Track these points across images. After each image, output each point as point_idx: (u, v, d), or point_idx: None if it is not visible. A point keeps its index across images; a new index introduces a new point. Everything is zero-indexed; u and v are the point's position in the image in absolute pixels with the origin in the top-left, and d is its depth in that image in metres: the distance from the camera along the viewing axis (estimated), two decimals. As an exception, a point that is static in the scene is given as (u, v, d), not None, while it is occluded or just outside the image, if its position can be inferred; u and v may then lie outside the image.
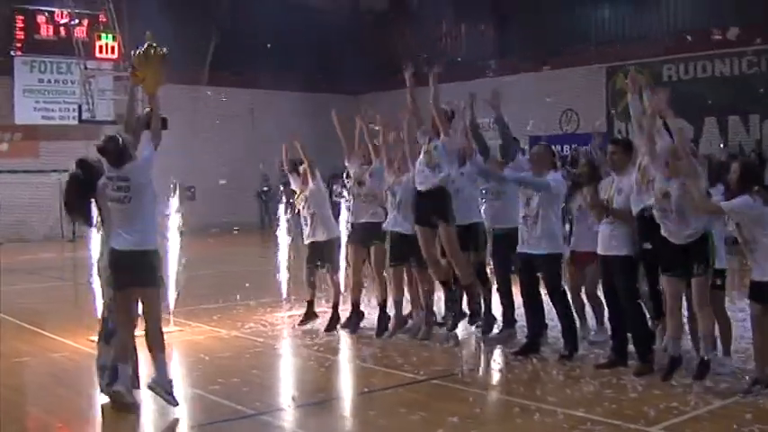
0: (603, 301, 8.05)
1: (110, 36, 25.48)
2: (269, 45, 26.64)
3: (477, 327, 9.08)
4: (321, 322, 9.81)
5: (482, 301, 8.98)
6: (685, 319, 7.43)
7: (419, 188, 8.59)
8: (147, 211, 6.56)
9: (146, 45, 6.84)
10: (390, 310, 9.40)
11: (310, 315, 9.87)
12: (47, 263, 19.51)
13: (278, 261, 11.36)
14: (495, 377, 7.77)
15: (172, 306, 9.91)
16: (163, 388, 6.45)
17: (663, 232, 6.96)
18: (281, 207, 11.50)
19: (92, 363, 6.98)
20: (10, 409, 6.79)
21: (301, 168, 9.92)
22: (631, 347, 7.53)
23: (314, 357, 8.46)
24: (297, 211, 10.06)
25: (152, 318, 6.59)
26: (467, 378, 7.50)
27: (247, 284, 12.37)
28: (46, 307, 12.51)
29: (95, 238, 7.22)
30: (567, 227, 9.06)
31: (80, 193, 6.73)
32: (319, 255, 9.78)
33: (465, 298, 8.99)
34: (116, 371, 6.58)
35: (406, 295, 9.35)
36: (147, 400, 6.68)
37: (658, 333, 7.67)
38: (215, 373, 7.67)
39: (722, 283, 7.23)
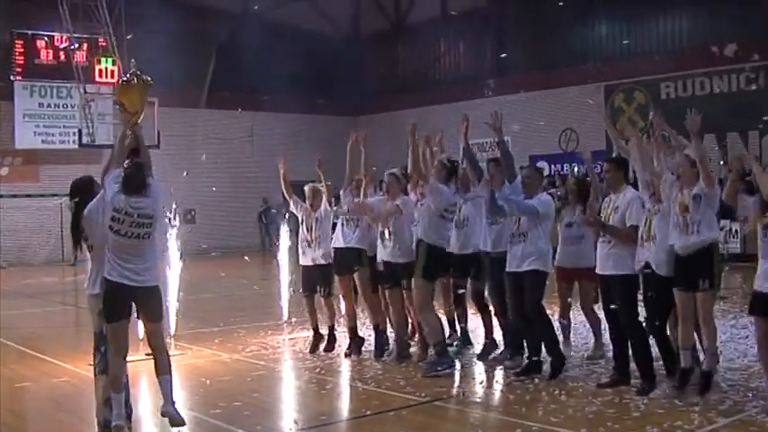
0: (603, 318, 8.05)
1: (109, 60, 25.63)
2: (268, 67, 26.70)
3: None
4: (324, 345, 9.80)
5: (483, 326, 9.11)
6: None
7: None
8: (156, 243, 6.45)
9: (129, 73, 6.81)
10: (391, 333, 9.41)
11: (318, 339, 9.82)
12: (48, 287, 19.49)
13: (279, 283, 11.34)
14: (497, 397, 7.73)
15: (173, 330, 9.89)
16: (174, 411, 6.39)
17: (675, 248, 6.97)
18: (284, 229, 11.48)
19: (92, 388, 6.89)
20: (11, 436, 6.76)
21: (322, 187, 9.82)
22: (633, 366, 7.50)
23: (315, 380, 8.43)
24: (301, 232, 9.93)
25: (163, 348, 6.54)
26: (469, 399, 7.47)
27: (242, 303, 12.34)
28: (47, 332, 12.50)
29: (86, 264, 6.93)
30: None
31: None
32: (319, 278, 9.70)
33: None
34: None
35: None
36: (148, 425, 6.64)
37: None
38: (216, 396, 7.64)
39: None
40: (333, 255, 9.54)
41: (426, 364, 8.56)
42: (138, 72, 6.78)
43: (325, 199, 9.70)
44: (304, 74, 28.15)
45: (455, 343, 9.34)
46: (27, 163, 26.63)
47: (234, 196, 29.13)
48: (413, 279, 8.57)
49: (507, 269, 8.10)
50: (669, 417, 6.43)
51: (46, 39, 26.16)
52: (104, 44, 25.49)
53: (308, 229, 9.71)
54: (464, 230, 8.98)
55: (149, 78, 6.76)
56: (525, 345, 8.37)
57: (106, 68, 25.71)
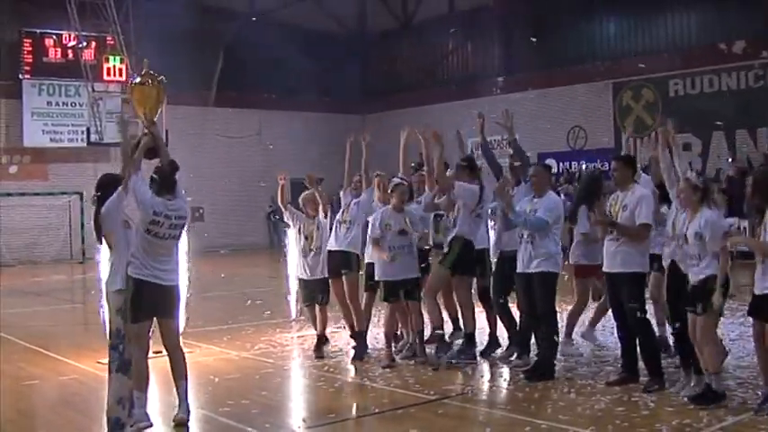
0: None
1: (117, 58, 25.68)
2: (276, 66, 26.72)
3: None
4: (333, 345, 9.79)
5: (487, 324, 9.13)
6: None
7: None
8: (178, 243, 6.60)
9: (143, 73, 6.82)
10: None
11: (322, 341, 9.71)
12: (57, 285, 19.54)
13: (287, 282, 11.33)
14: (505, 395, 7.72)
15: (181, 328, 9.88)
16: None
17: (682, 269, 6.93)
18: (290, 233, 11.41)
19: (101, 386, 6.93)
20: (20, 433, 6.77)
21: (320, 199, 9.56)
22: (641, 363, 7.49)
23: (324, 378, 8.43)
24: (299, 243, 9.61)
25: (178, 346, 6.67)
26: (477, 397, 7.47)
27: (249, 302, 12.34)
28: (56, 329, 12.52)
29: (104, 260, 7.02)
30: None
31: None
32: (318, 289, 9.46)
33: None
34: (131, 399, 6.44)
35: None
36: (156, 422, 6.65)
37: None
38: (225, 394, 7.64)
39: None
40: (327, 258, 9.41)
41: (450, 353, 8.74)
42: (153, 73, 6.81)
43: (321, 208, 9.52)
44: (312, 72, 28.12)
45: (457, 341, 9.25)
46: (35, 161, 26.68)
47: (242, 194, 29.15)
48: (437, 266, 8.73)
49: (518, 270, 8.13)
50: (678, 415, 6.42)
51: (54, 37, 26.23)
52: (112, 42, 25.55)
53: (306, 238, 9.44)
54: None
55: (163, 78, 6.81)
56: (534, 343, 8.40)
57: (114, 66, 25.77)
